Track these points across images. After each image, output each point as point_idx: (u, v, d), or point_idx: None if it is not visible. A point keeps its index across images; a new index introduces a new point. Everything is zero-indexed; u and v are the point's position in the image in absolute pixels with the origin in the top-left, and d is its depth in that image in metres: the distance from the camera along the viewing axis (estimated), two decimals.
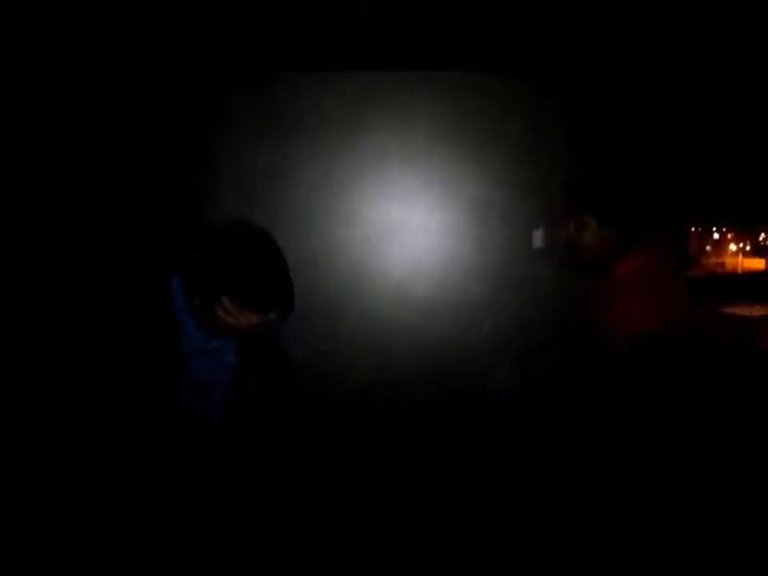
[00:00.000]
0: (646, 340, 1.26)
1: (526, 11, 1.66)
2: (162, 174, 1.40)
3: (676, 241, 1.70)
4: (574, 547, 1.43)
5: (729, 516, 1.30)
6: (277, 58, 1.95)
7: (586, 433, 1.39)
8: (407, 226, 2.08)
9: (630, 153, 2.00)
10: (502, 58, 1.96)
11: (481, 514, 2.03)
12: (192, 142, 1.57)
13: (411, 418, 2.10)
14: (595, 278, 1.39)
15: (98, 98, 1.94)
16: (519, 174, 2.08)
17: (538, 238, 2.12)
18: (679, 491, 1.25)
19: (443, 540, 2.01)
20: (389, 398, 2.11)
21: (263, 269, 1.21)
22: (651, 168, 1.96)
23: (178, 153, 1.45)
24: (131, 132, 1.46)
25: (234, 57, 1.92)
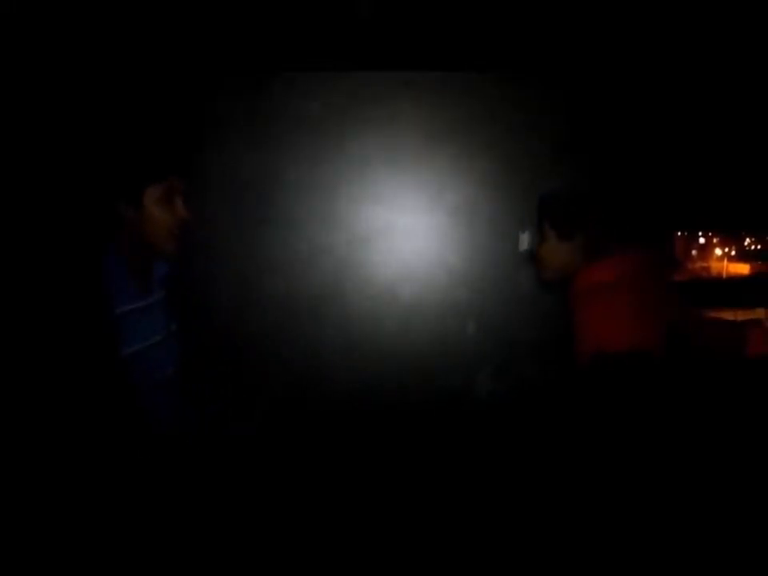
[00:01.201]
0: (600, 358, 1.26)
1: (521, 14, 1.67)
2: (152, 173, 1.42)
3: (658, 251, 1.68)
4: (568, 548, 1.44)
5: (723, 515, 1.31)
6: (273, 57, 1.95)
7: (573, 434, 1.40)
8: (394, 229, 2.08)
9: (618, 158, 2.02)
10: (494, 59, 1.97)
11: (471, 514, 2.04)
12: (182, 141, 1.58)
13: (397, 420, 2.10)
14: (563, 289, 1.41)
15: (94, 96, 1.94)
16: (506, 177, 2.09)
17: (524, 241, 2.12)
18: (669, 496, 1.26)
19: (433, 541, 2.02)
20: (373, 400, 2.11)
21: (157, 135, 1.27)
22: (640, 173, 1.98)
23: (168, 151, 1.46)
24: (123, 130, 1.47)
25: (228, 56, 1.92)
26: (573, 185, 1.66)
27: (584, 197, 1.50)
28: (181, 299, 1.42)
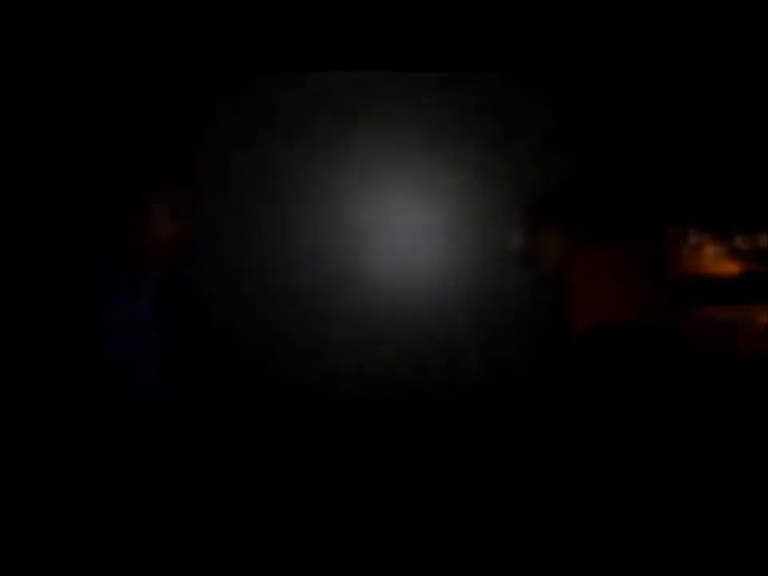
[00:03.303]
0: (587, 335, 1.30)
1: (521, 13, 1.68)
2: (146, 172, 1.42)
3: (654, 243, 1.72)
4: (560, 546, 1.45)
5: (714, 514, 1.33)
6: (272, 57, 1.95)
7: (561, 427, 1.42)
8: (386, 227, 2.09)
9: (615, 157, 2.04)
10: (494, 59, 1.98)
11: (459, 510, 2.05)
12: (180, 140, 1.58)
13: (389, 414, 2.11)
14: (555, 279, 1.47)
15: (89, 96, 1.94)
16: (498, 176, 2.10)
17: (515, 239, 2.13)
18: (653, 492, 1.28)
19: (435, 540, 2.02)
20: (366, 395, 2.11)
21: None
22: (633, 170, 2.00)
23: (163, 150, 1.46)
24: (119, 130, 1.47)
25: (225, 56, 1.92)
26: (564, 185, 1.70)
27: (580, 195, 1.54)
28: (172, 305, 1.42)
